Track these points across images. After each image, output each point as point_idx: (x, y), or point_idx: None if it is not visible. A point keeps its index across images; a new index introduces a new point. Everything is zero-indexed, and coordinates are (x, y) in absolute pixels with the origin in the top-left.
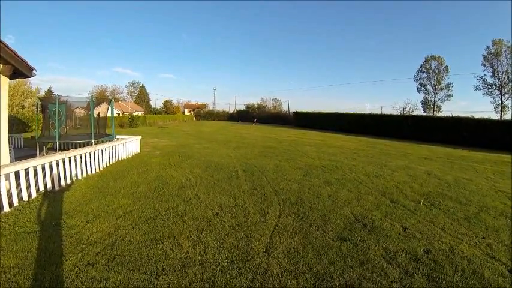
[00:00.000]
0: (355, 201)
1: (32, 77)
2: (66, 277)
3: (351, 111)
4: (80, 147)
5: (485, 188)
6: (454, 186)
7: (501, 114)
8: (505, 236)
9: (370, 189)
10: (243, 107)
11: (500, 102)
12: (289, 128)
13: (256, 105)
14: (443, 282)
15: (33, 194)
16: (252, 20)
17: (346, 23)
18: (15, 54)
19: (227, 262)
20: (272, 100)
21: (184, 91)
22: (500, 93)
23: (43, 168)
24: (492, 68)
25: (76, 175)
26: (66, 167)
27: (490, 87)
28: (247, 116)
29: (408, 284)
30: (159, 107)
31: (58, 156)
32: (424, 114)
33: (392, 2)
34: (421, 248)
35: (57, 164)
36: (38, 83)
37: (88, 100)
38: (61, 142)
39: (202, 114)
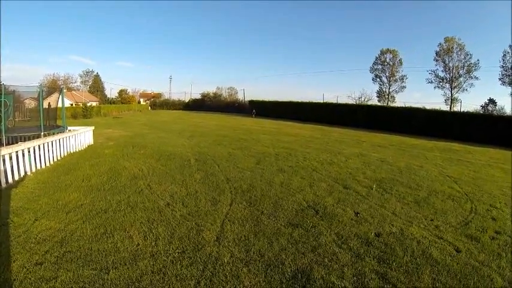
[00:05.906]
0: (307, 188)
1: None
2: (14, 279)
3: (307, 100)
4: (29, 140)
5: (434, 173)
6: (405, 172)
7: (451, 106)
8: (452, 217)
9: (323, 176)
10: (198, 96)
11: (450, 95)
12: (244, 116)
13: (211, 94)
14: (394, 264)
15: None
16: (209, 8)
17: (303, 14)
18: None
19: (178, 252)
20: (228, 89)
21: (140, 80)
22: (451, 87)
23: None
24: (444, 63)
25: (25, 170)
26: (13, 162)
27: (441, 80)
28: (203, 104)
29: (359, 267)
30: (114, 97)
31: (4, 151)
32: (379, 104)
33: None
34: (372, 232)
35: (3, 160)
36: None
37: (38, 90)
38: (8, 136)
39: (158, 103)
